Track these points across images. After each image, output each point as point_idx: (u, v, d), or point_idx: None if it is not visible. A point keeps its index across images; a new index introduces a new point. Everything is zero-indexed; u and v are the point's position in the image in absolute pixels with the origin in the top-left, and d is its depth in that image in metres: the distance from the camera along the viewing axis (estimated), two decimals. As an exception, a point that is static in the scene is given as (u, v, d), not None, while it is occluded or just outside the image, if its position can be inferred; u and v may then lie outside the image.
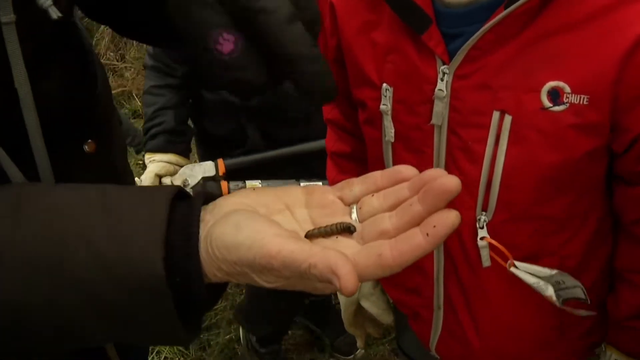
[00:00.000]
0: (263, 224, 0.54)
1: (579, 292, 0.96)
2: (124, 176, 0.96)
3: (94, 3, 0.83)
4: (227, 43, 0.60)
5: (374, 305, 1.22)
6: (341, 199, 0.59)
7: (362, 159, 1.15)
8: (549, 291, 0.94)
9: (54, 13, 0.69)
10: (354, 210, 0.57)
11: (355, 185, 0.59)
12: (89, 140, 0.81)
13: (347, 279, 0.48)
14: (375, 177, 0.58)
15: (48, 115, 0.71)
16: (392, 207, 0.55)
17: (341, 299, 1.30)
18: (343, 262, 0.49)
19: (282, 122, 1.75)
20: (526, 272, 0.95)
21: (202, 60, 0.62)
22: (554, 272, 0.93)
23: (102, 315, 0.59)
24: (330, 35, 1.03)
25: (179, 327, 0.57)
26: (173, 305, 0.55)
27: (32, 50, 0.69)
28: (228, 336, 2.43)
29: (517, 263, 0.94)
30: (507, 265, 0.95)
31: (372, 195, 0.57)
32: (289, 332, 2.50)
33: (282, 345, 2.40)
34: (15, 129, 0.69)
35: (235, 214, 0.56)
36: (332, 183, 1.24)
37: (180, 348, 2.39)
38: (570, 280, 0.95)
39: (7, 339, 0.62)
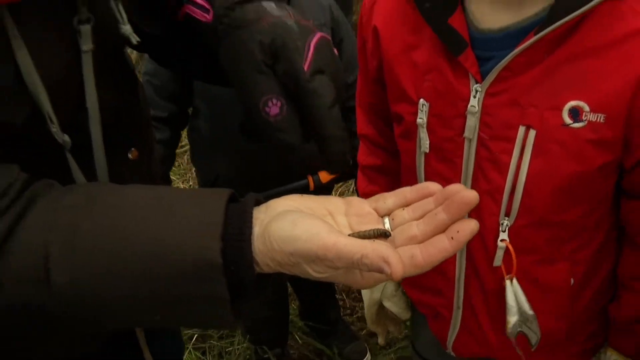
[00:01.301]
0: (316, 221, 0.63)
1: (534, 338, 1.09)
2: (162, 182, 1.05)
3: (155, 45, 0.94)
4: (274, 107, 0.73)
5: (395, 305, 1.33)
6: (376, 210, 0.68)
7: (390, 172, 1.26)
8: (513, 318, 1.07)
9: (134, 39, 0.80)
10: (387, 220, 0.67)
11: (388, 199, 0.69)
12: (132, 149, 0.90)
13: (396, 266, 0.58)
14: (405, 192, 0.68)
15: (103, 126, 0.81)
16: (420, 218, 0.65)
17: (365, 300, 1.39)
18: (393, 252, 0.59)
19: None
20: (514, 293, 1.06)
21: (249, 114, 0.74)
22: (531, 312, 1.06)
23: (160, 300, 0.67)
24: (372, 57, 1.14)
25: (229, 312, 0.65)
26: (227, 293, 0.64)
27: (98, 69, 0.78)
28: (244, 344, 2.50)
29: (514, 282, 1.05)
30: (506, 278, 1.06)
31: (403, 209, 0.67)
32: (298, 341, 2.57)
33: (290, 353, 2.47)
34: (80, 139, 0.78)
35: (290, 212, 0.65)
36: (362, 193, 1.34)
37: (198, 354, 2.45)
38: (535, 326, 1.08)
39: (69, 316, 0.69)
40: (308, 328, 2.59)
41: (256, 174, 1.84)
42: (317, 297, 2.45)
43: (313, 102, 0.73)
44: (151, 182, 0.97)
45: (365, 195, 1.27)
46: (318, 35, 0.75)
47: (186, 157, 2.03)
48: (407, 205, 0.67)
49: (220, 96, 1.77)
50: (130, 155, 0.89)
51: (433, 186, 0.67)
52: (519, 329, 1.07)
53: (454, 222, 0.62)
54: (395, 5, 1.08)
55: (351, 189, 3.35)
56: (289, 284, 2.44)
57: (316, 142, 0.77)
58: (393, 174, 1.25)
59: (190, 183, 3.32)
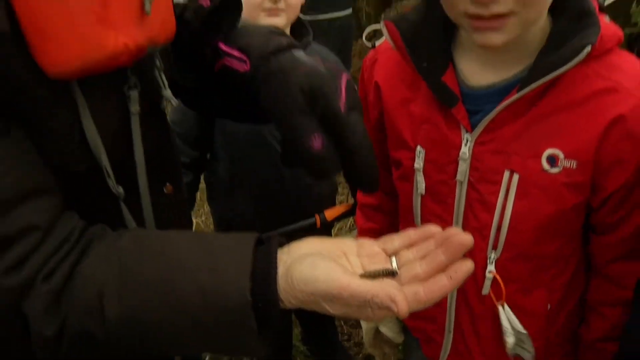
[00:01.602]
0: (333, 263, 0.75)
1: (528, 356, 1.21)
2: (190, 211, 1.16)
3: (189, 93, 1.06)
4: (317, 142, 0.85)
5: (390, 330, 1.46)
6: (384, 250, 0.80)
7: (387, 211, 1.39)
8: (511, 339, 1.19)
9: (174, 102, 0.92)
10: (394, 260, 0.79)
11: (395, 240, 0.81)
12: (167, 184, 1.00)
13: (402, 305, 0.69)
14: (410, 234, 0.81)
15: (146, 167, 0.92)
16: (422, 257, 0.77)
17: (364, 325, 1.51)
18: (399, 292, 0.70)
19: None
20: (507, 317, 1.20)
21: (292, 147, 0.86)
22: (524, 332, 1.19)
23: (198, 331, 0.78)
24: (373, 108, 1.27)
25: (257, 342, 0.77)
26: (255, 325, 0.75)
27: (142, 126, 0.89)
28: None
29: (506, 307, 1.19)
30: (498, 304, 1.19)
31: (408, 249, 0.79)
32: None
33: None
34: (127, 184, 0.88)
35: (309, 255, 0.76)
36: (361, 229, 1.46)
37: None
38: (529, 345, 1.20)
39: (125, 345, 0.80)
40: (309, 352, 2.78)
41: (271, 214, 1.95)
42: (319, 324, 2.59)
43: (349, 136, 0.84)
44: (182, 215, 1.07)
45: (364, 231, 1.40)
46: (344, 76, 0.88)
47: (198, 194, 2.15)
48: (411, 245, 0.79)
49: (238, 141, 1.89)
50: (165, 190, 0.99)
51: (433, 229, 0.80)
52: (515, 353, 1.20)
53: (452, 262, 0.74)
54: (394, 63, 1.22)
55: (349, 224, 3.61)
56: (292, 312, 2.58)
57: (351, 169, 0.88)
58: (389, 212, 1.38)
59: (203, 218, 3.72)
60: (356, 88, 0.90)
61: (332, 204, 2.11)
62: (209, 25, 0.96)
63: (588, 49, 1.01)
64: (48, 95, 0.76)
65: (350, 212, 1.58)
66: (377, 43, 1.23)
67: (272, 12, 1.86)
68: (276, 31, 0.95)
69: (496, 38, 1.01)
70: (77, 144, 0.81)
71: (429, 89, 1.14)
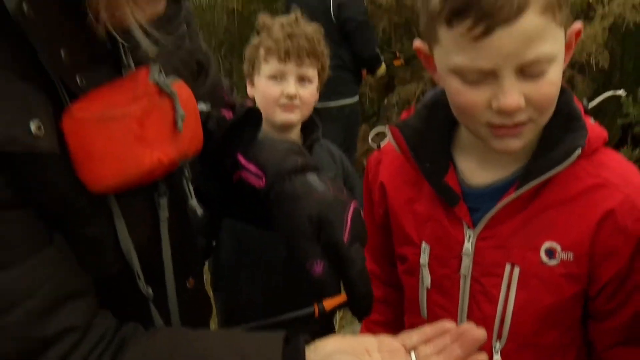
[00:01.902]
0: None
1: None
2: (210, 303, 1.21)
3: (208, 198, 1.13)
4: (318, 267, 0.95)
5: None
6: (403, 346, 0.87)
7: (391, 303, 1.44)
8: None
9: (199, 211, 1.00)
10: (413, 355, 0.85)
11: (413, 336, 0.89)
12: (190, 278, 1.06)
13: None
14: (426, 330, 0.89)
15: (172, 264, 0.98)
16: (439, 352, 0.83)
17: None
18: None
19: None
20: None
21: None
22: None
23: None
24: (378, 206, 1.35)
25: None
26: None
27: (170, 230, 0.97)
28: None
29: None
30: None
31: (425, 344, 0.85)
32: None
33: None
34: (153, 280, 0.95)
35: (336, 353, 0.84)
36: (365, 321, 1.50)
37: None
38: None
39: None
40: None
41: (274, 301, 1.98)
42: None
43: (349, 267, 0.94)
44: (204, 305, 1.13)
45: (369, 322, 1.44)
46: (352, 206, 0.97)
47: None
48: (428, 341, 0.85)
49: (244, 233, 1.95)
50: (188, 285, 1.05)
51: (448, 324, 0.87)
52: None
53: (467, 355, 0.80)
54: (398, 164, 1.30)
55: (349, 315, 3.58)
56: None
57: (347, 296, 0.97)
58: (394, 304, 1.43)
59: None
60: (362, 217, 1.00)
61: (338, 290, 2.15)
62: (231, 136, 1.05)
63: (578, 151, 1.10)
64: (87, 206, 0.83)
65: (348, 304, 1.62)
66: (382, 144, 1.31)
67: (288, 108, 1.97)
68: (294, 148, 1.04)
69: (515, 144, 1.10)
70: (110, 249, 0.87)
71: (432, 189, 1.22)
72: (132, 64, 0.91)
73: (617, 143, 4.18)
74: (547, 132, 1.17)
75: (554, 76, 1.06)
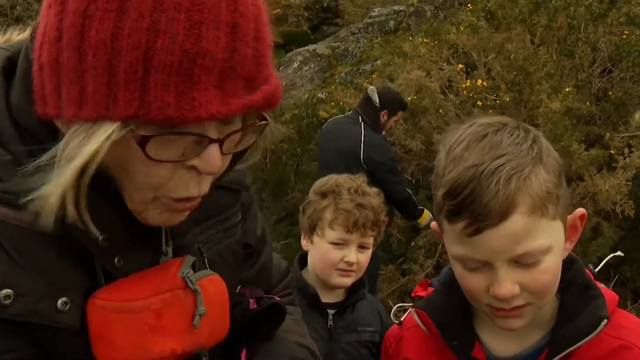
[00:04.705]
0: None
1: None
2: None
3: None
4: None
5: None
6: None
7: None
8: None
9: None
10: None
11: None
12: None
13: None
14: None
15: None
16: None
17: None
18: None
19: None
20: None
21: None
22: None
23: None
24: None
25: None
26: None
27: None
28: None
29: None
30: None
31: None
32: None
33: None
34: None
35: None
36: None
37: None
38: None
39: None
40: None
41: None
42: None
43: None
44: None
45: None
46: None
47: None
48: None
49: None
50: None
51: None
52: None
53: None
54: (422, 339, 1.36)
55: None
56: None
57: None
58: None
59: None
60: None
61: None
62: (251, 328, 1.12)
63: (604, 322, 1.17)
64: None
65: None
66: (402, 318, 1.39)
67: (345, 273, 2.05)
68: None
69: (516, 324, 1.18)
70: None
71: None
72: (170, 252, 1.01)
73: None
74: (565, 303, 1.25)
75: (550, 264, 1.14)
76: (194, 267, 1.00)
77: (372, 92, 5.07)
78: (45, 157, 0.81)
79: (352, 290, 2.16)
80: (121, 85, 0.79)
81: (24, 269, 0.84)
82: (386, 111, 5.03)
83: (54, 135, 0.84)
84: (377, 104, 4.99)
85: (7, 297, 0.82)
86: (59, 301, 0.86)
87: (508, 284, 1.12)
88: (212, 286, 1.02)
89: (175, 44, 0.79)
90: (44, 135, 0.86)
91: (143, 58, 0.79)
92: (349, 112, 5.31)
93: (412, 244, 6.01)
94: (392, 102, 5.08)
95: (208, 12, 0.81)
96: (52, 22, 0.83)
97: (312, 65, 9.41)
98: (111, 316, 0.91)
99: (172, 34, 0.79)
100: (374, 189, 2.16)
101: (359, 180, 2.14)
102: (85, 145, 0.79)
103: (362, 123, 4.93)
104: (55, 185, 0.80)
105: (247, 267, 1.22)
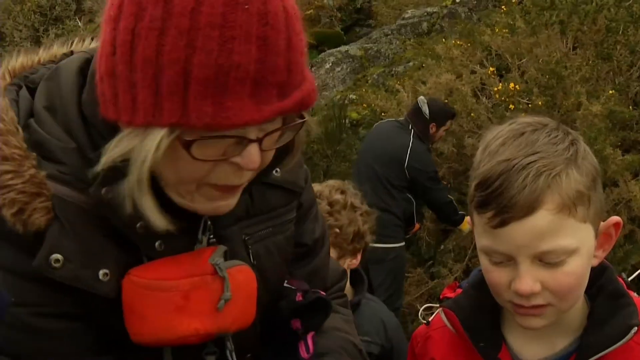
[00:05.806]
0: None
1: None
2: None
3: None
4: None
5: None
6: None
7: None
8: None
9: None
10: None
11: None
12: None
13: None
14: None
15: None
16: None
17: None
18: None
19: None
20: None
21: None
22: None
23: None
24: None
25: None
26: None
27: None
28: None
29: None
30: None
31: None
32: None
33: None
34: None
35: None
36: None
37: None
38: None
39: None
40: None
41: None
42: None
43: None
44: None
45: None
46: None
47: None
48: None
49: None
50: None
51: None
52: None
53: None
54: (449, 339, 1.36)
55: None
56: None
57: None
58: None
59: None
60: None
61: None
62: (300, 318, 1.18)
63: (634, 330, 1.17)
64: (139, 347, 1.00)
65: None
66: (430, 319, 1.39)
67: None
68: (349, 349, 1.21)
69: (536, 322, 1.18)
70: None
71: None
72: (205, 241, 1.08)
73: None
74: (595, 309, 1.24)
75: (575, 267, 1.14)
76: (226, 256, 1.07)
77: (422, 103, 5.11)
78: (104, 152, 0.93)
79: (356, 289, 2.18)
80: (165, 96, 0.89)
81: (74, 240, 0.96)
82: (434, 123, 5.09)
83: (116, 133, 0.95)
84: (427, 116, 5.05)
85: (57, 260, 0.94)
86: (100, 272, 0.98)
87: (529, 280, 1.12)
88: (241, 275, 1.07)
89: (211, 59, 0.87)
90: (106, 131, 0.97)
91: (183, 72, 0.88)
92: (401, 118, 5.36)
93: (442, 247, 5.98)
94: (440, 114, 5.13)
95: (240, 27, 0.88)
96: (108, 38, 0.94)
97: (345, 67, 9.39)
98: (142, 292, 0.99)
99: (208, 50, 0.87)
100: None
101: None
102: (141, 147, 0.90)
103: (412, 131, 5.02)
104: (127, 181, 0.92)
105: (300, 266, 1.28)
